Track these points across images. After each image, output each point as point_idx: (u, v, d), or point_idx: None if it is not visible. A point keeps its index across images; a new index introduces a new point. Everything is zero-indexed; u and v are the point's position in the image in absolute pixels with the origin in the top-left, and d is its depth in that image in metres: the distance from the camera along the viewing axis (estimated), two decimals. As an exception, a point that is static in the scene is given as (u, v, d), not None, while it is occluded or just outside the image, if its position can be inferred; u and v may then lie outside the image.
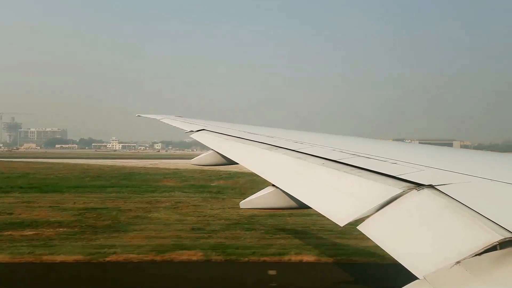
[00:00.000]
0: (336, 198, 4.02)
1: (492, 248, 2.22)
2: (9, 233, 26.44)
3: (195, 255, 22.31)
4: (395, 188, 3.37)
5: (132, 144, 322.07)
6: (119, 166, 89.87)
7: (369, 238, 2.95)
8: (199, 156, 9.69)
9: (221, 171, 65.14)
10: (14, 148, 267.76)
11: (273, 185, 5.30)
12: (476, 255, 2.21)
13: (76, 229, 27.95)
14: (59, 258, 21.75)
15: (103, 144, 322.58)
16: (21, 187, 47.95)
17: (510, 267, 2.04)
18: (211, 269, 20.84)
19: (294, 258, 22.04)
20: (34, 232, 26.73)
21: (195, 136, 10.61)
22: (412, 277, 2.31)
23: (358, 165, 4.38)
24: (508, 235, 2.23)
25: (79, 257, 21.74)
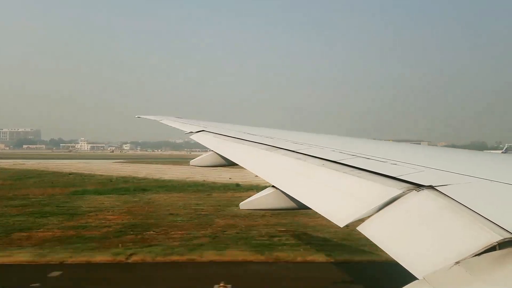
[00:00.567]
0: (336, 199, 4.02)
1: (492, 249, 2.22)
2: None
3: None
4: (395, 188, 3.37)
5: (101, 145, 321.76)
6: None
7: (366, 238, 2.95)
8: (199, 157, 9.68)
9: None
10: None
11: (273, 186, 5.29)
12: (475, 255, 2.21)
13: None
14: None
15: (71, 145, 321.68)
16: None
17: (509, 267, 2.04)
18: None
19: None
20: None
21: (195, 137, 10.59)
22: (412, 277, 2.32)
23: (357, 166, 4.37)
24: (507, 235, 2.23)
25: None
